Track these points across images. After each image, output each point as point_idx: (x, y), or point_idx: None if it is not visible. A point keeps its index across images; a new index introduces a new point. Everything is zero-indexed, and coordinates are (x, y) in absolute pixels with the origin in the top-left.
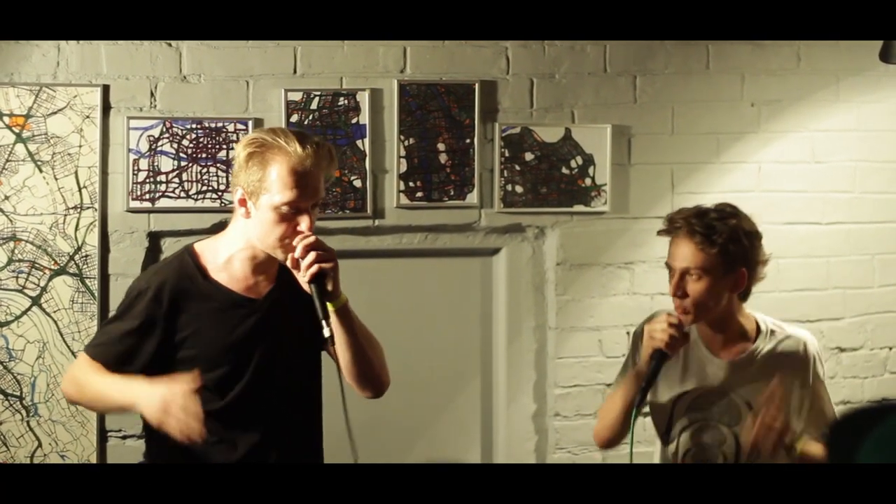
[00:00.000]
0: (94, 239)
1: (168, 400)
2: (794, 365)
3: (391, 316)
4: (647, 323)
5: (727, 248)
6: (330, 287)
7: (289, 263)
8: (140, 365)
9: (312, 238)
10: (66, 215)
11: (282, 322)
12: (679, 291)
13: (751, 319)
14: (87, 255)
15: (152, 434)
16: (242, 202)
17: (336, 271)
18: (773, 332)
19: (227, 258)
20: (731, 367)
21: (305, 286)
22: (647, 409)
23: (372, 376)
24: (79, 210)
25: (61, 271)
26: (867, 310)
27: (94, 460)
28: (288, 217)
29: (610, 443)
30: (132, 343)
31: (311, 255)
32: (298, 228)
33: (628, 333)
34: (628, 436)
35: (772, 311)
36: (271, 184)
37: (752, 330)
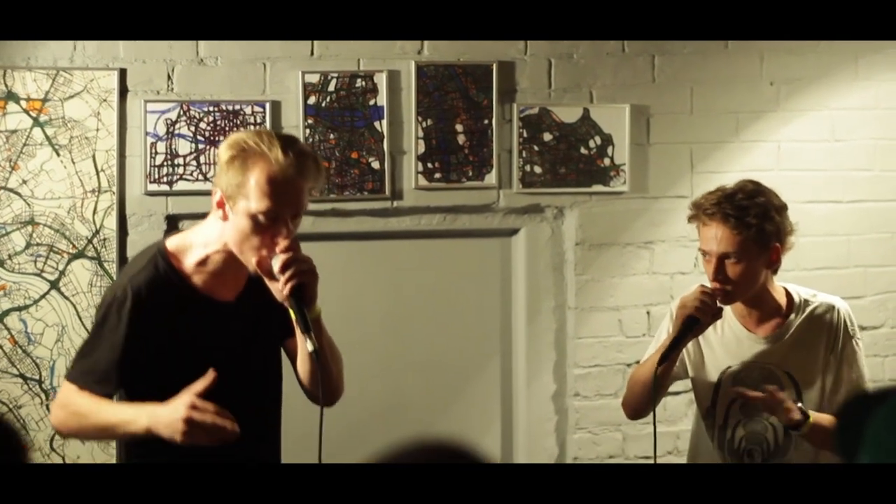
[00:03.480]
0: (112, 222)
1: (187, 416)
2: (825, 332)
3: (410, 297)
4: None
5: (762, 227)
6: (308, 299)
7: (261, 272)
8: (125, 379)
9: (289, 254)
10: (83, 199)
11: (251, 324)
12: (720, 276)
13: (781, 292)
14: (105, 239)
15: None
16: (220, 205)
17: (315, 283)
18: (805, 301)
19: (202, 259)
20: (767, 342)
21: (278, 296)
22: (673, 388)
23: (329, 388)
24: (97, 193)
25: (79, 255)
26: (888, 288)
27: (113, 443)
28: (264, 226)
29: (636, 412)
30: (116, 360)
31: (291, 270)
32: (275, 239)
33: (648, 313)
34: (654, 407)
35: None
36: (249, 191)
37: (784, 302)
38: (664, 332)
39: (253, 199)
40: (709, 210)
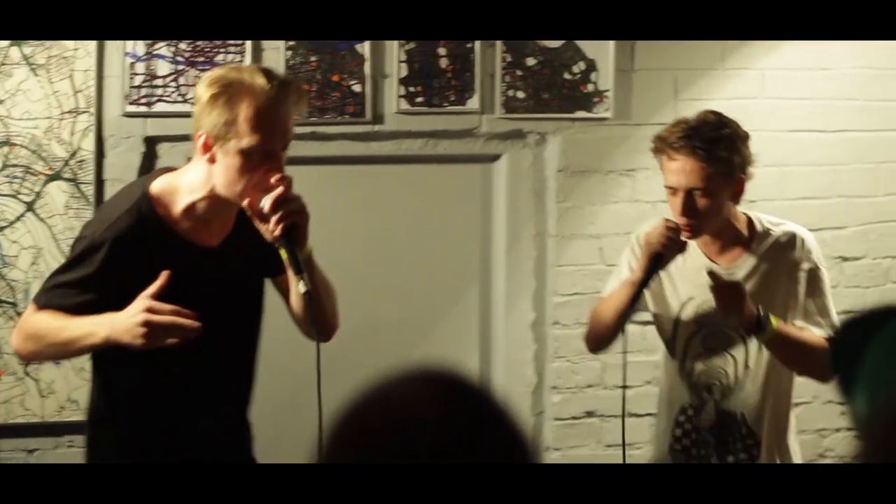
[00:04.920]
0: (89, 144)
1: (145, 319)
2: (787, 261)
3: (390, 222)
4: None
5: (731, 159)
6: (300, 239)
7: (249, 210)
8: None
9: (280, 190)
10: (61, 119)
11: (235, 268)
12: (688, 211)
13: (743, 221)
14: (82, 161)
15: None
16: (207, 147)
17: (307, 222)
18: (767, 230)
19: (188, 205)
20: (729, 272)
21: (268, 236)
22: (644, 318)
23: (325, 325)
24: (74, 114)
25: (56, 176)
26: (871, 219)
27: (87, 367)
28: (256, 162)
29: (599, 346)
30: (85, 295)
31: (282, 210)
32: (267, 175)
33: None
34: (619, 340)
35: None
36: (239, 127)
37: (746, 231)
38: (625, 265)
39: (244, 135)
40: (675, 144)
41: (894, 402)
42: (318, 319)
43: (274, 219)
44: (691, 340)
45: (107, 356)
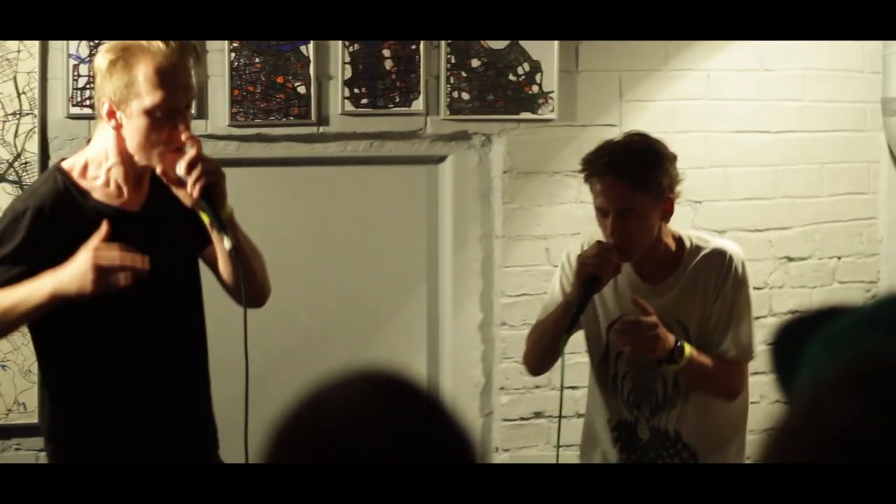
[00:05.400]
0: (33, 146)
1: (94, 262)
2: (713, 277)
3: (336, 224)
4: (577, 252)
5: (659, 181)
6: (219, 199)
7: (167, 181)
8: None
9: (194, 152)
10: (4, 122)
11: (160, 232)
12: (619, 233)
13: (672, 239)
14: (26, 163)
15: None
16: (111, 114)
17: (224, 182)
18: (697, 248)
19: (100, 173)
20: (659, 291)
21: (187, 201)
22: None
23: (255, 288)
24: (18, 116)
25: (1, 179)
26: (816, 219)
27: (34, 370)
28: (162, 121)
29: (539, 369)
30: (16, 268)
31: (197, 170)
32: (174, 133)
33: None
34: (557, 361)
35: (719, 220)
36: (140, 87)
37: (676, 249)
38: (558, 286)
39: (146, 95)
40: (603, 167)
41: (805, 400)
42: (246, 277)
43: (190, 180)
44: (619, 359)
45: (54, 347)
